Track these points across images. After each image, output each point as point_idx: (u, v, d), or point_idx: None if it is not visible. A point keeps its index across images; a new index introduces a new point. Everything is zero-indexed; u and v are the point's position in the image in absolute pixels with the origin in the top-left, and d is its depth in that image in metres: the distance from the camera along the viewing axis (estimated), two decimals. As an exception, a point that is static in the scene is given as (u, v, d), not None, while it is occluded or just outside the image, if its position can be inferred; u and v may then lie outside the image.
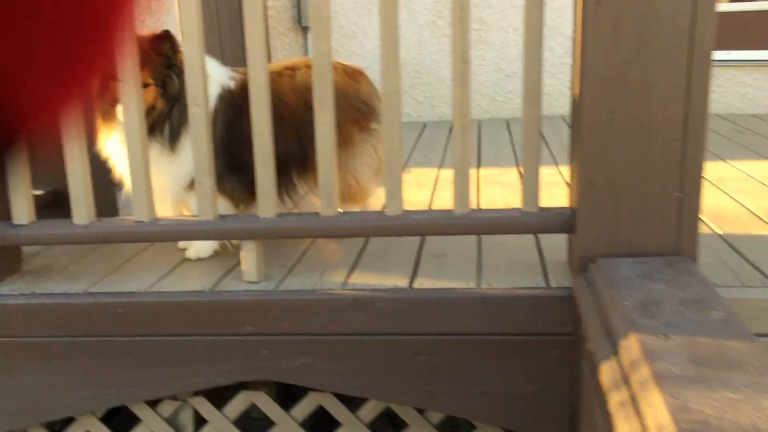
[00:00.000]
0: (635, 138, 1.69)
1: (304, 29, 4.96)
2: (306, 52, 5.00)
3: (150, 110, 1.97)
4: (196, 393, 2.06)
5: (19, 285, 2.03)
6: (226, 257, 2.15)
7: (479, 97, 4.79)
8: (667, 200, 1.71)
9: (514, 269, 1.98)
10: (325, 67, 1.83)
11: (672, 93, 1.66)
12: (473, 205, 1.97)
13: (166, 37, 1.95)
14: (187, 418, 2.12)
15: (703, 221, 2.32)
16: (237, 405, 2.07)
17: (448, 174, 3.17)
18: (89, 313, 1.94)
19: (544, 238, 2.13)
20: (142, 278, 2.03)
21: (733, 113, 4.34)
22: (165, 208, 2.11)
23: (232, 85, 2.09)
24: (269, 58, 2.14)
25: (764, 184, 2.69)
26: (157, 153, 2.02)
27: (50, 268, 2.16)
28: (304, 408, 2.05)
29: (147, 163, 1.95)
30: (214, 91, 2.02)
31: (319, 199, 1.93)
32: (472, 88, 5.07)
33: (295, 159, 2.13)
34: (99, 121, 2.01)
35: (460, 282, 1.91)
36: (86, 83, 0.41)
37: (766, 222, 2.25)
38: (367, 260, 2.12)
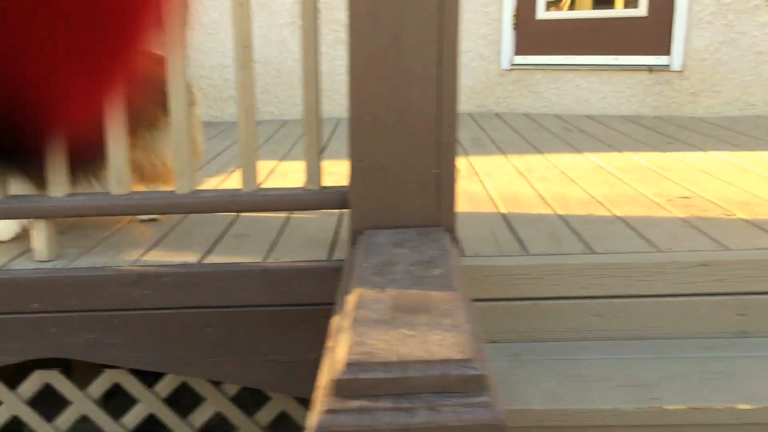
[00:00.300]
0: (396, 120, 1.84)
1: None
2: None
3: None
4: (-11, 374, 2.05)
5: None
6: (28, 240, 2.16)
7: (339, 96, 4.93)
8: (427, 177, 1.86)
9: (306, 246, 2.10)
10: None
11: (426, 78, 1.82)
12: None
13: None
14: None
15: (494, 202, 2.52)
16: (31, 384, 2.08)
17: (286, 165, 3.27)
18: None
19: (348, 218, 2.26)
20: (-70, 259, 2.01)
21: (570, 113, 4.67)
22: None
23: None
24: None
25: (565, 174, 2.93)
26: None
27: None
28: (99, 385, 2.08)
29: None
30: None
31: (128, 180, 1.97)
32: (334, 86, 5.15)
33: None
34: None
35: (250, 258, 2.00)
36: (116, 78, 0.40)
37: (548, 204, 2.47)
38: (170, 240, 2.18)
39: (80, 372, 2.27)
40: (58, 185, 1.96)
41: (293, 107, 5.01)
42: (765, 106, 4.23)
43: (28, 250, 2.07)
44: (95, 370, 2.14)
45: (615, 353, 1.87)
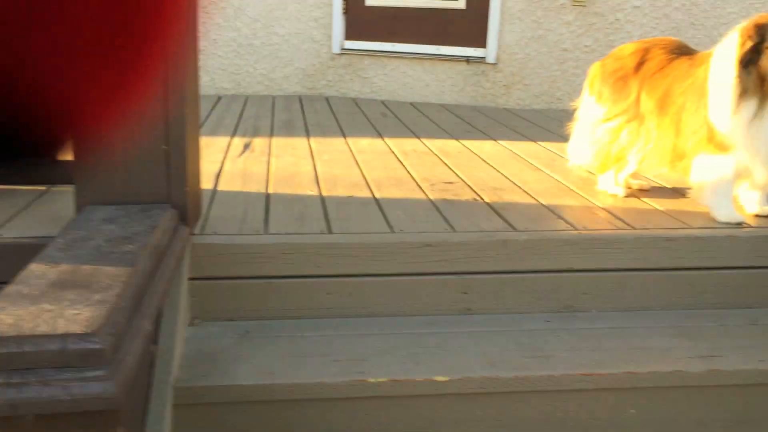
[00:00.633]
0: (124, 93, 1.80)
1: None
2: None
3: None
4: None
5: None
6: None
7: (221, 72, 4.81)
8: (155, 153, 1.84)
9: (47, 222, 2.02)
10: None
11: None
12: None
13: None
14: None
15: (267, 182, 2.52)
16: None
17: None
18: None
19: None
20: None
21: (396, 100, 4.77)
22: None
23: None
24: None
25: (354, 157, 2.99)
26: None
27: None
28: None
29: None
30: None
31: None
32: (214, 65, 4.97)
33: None
34: None
35: (-26, 233, 1.90)
36: (136, 83, 0.39)
37: (318, 185, 2.51)
38: None
39: None
40: None
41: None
42: (569, 101, 4.50)
43: None
44: None
45: (341, 330, 1.93)
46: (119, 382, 1.11)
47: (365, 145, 3.24)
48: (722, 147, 2.08)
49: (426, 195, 2.43)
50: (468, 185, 2.58)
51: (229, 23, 4.86)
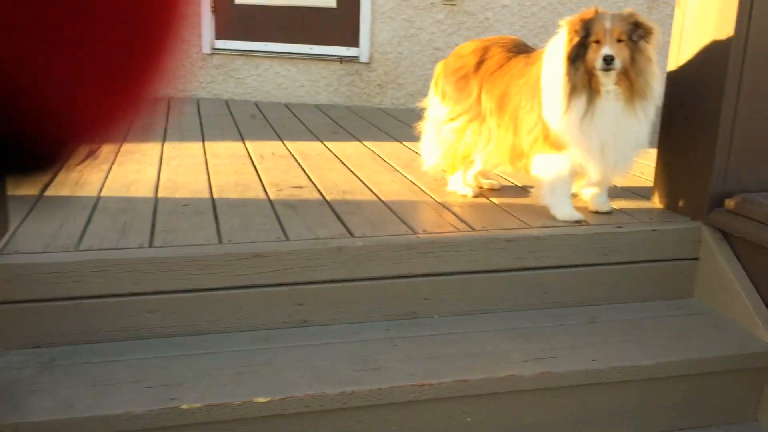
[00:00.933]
0: None
1: None
2: None
3: None
4: None
5: None
6: None
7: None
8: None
9: None
10: None
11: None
12: None
13: None
14: None
15: (102, 189, 2.34)
16: None
17: None
18: None
19: None
20: None
21: (270, 101, 4.62)
22: None
23: None
24: None
25: (206, 162, 2.83)
26: None
27: None
28: None
29: None
30: None
31: None
32: None
33: None
34: None
35: None
36: (138, 94, 0.42)
37: (158, 193, 2.35)
38: None
39: None
40: None
41: None
42: (443, 100, 4.50)
43: None
44: None
45: (163, 352, 1.78)
46: None
47: (221, 150, 3.09)
48: (557, 145, 2.06)
49: (270, 201, 2.31)
50: (318, 189, 2.48)
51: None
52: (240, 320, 1.89)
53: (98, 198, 2.29)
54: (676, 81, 2.24)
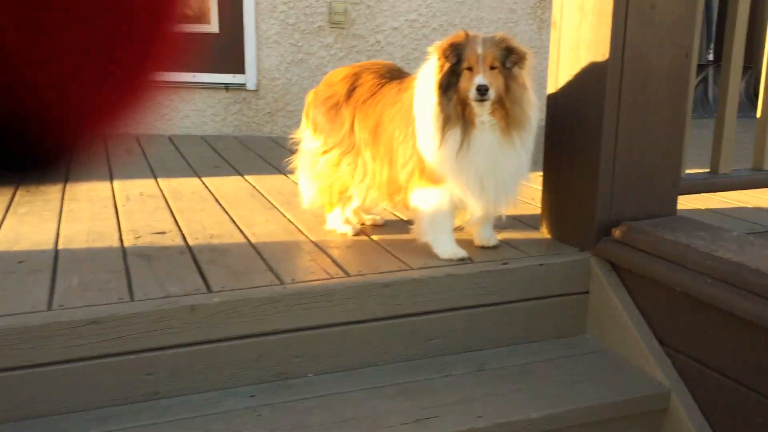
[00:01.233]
0: None
1: None
2: None
3: None
4: None
5: None
6: None
7: None
8: None
9: None
10: None
11: None
12: None
13: None
14: None
15: None
16: None
17: None
18: None
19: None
20: None
21: (154, 134, 4.32)
22: None
23: None
24: None
25: (62, 206, 2.53)
26: None
27: None
28: None
29: None
30: None
31: None
32: None
33: None
34: None
35: None
36: (136, 89, 0.42)
37: (-14, 250, 2.04)
38: None
39: None
40: None
41: None
42: (337, 126, 4.33)
43: None
44: None
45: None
46: None
47: (83, 192, 2.79)
48: (434, 179, 1.90)
49: (124, 251, 2.05)
50: (182, 234, 2.23)
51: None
52: (76, 399, 1.61)
53: None
54: (556, 104, 2.13)
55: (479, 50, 1.80)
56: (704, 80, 5.72)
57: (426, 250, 2.04)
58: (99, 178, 3.07)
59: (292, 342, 1.78)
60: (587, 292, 2.05)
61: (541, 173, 2.26)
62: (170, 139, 4.21)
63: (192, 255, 2.03)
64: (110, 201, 2.66)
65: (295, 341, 1.78)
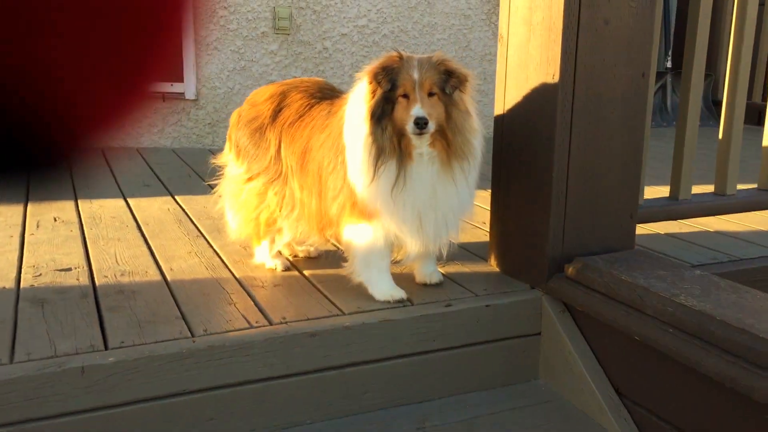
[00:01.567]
0: None
1: None
2: None
3: None
4: None
5: None
6: None
7: None
8: None
9: None
10: None
11: None
12: None
13: None
14: None
15: None
16: None
17: None
18: None
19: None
20: None
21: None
22: None
23: None
24: None
25: (-44, 237, 2.26)
26: None
27: None
28: None
29: None
30: None
31: None
32: None
33: None
34: None
35: None
36: (143, 88, 0.43)
37: None
38: None
39: None
40: None
41: None
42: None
43: None
44: None
45: None
46: None
47: (-12, 217, 2.51)
48: (367, 215, 1.70)
49: (17, 295, 1.80)
50: (90, 271, 1.98)
51: None
52: (-60, 482, 1.37)
53: None
54: (503, 125, 1.95)
55: (415, 75, 1.59)
56: (663, 88, 5.63)
57: (361, 290, 1.83)
58: (13, 200, 2.79)
59: (205, 402, 1.56)
60: (539, 334, 1.86)
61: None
62: (102, 152, 3.93)
63: (95, 298, 1.79)
64: (18, 228, 2.39)
65: (208, 402, 1.56)
